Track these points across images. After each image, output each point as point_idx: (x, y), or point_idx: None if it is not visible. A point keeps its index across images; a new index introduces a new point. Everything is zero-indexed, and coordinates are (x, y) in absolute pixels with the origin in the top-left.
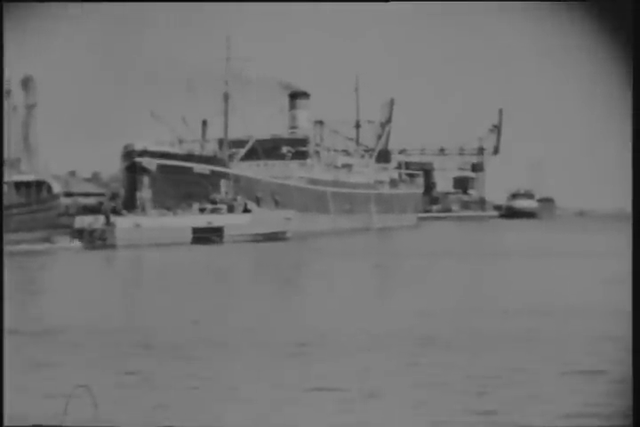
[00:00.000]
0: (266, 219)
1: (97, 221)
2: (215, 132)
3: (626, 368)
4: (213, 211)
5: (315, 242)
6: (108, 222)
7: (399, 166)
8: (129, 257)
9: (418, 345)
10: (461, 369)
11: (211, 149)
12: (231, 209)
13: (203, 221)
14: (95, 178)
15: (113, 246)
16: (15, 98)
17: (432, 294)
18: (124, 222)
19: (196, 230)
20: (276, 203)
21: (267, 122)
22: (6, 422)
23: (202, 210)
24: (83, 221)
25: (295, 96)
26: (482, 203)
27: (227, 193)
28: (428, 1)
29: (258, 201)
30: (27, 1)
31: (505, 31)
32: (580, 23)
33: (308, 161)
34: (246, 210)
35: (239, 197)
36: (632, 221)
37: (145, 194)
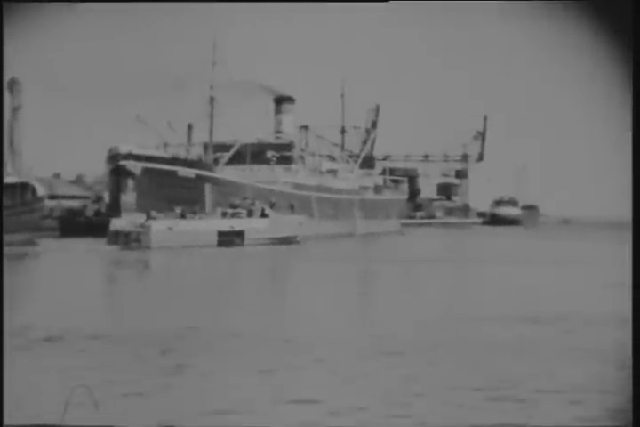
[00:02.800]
0: (282, 223)
1: (131, 224)
2: (200, 135)
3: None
4: (234, 215)
5: (320, 247)
6: (146, 222)
7: (384, 172)
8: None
9: (399, 351)
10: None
11: (196, 152)
12: (250, 214)
13: (226, 225)
14: (79, 181)
15: (148, 248)
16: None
17: (425, 301)
18: (158, 225)
19: (220, 234)
20: (292, 208)
21: (252, 126)
22: (6, 421)
23: (223, 214)
24: (117, 224)
25: (280, 101)
26: (465, 210)
27: (245, 198)
28: (427, 0)
29: (272, 206)
30: (27, 1)
31: (499, 34)
32: (578, 23)
33: (293, 166)
34: (263, 215)
35: (257, 202)
36: (632, 228)
37: (129, 197)
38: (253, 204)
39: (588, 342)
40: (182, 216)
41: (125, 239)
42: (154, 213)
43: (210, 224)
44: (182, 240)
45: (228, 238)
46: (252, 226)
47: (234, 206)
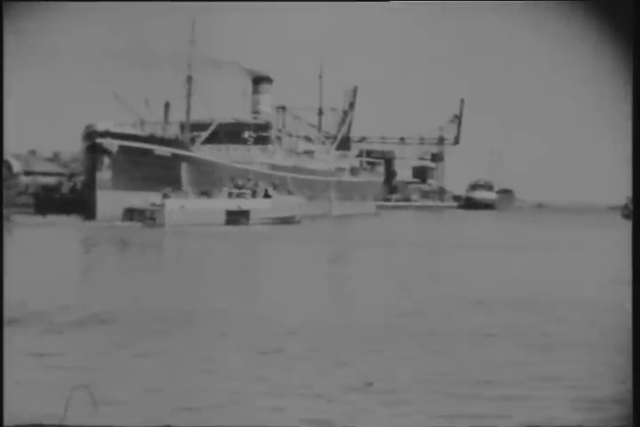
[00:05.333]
0: (283, 204)
1: (146, 202)
2: (178, 114)
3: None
4: (239, 195)
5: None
6: (161, 201)
7: (360, 154)
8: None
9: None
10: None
11: (173, 131)
12: (254, 194)
13: (234, 204)
14: (56, 158)
15: (162, 225)
16: None
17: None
18: (171, 204)
19: (228, 213)
20: (289, 191)
21: (229, 106)
22: (7, 421)
23: (229, 194)
24: (131, 201)
25: (258, 81)
26: (441, 193)
27: (249, 179)
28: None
29: (274, 187)
30: (27, 0)
31: (486, 22)
32: (579, 22)
33: (270, 146)
34: (266, 195)
35: (260, 183)
36: (632, 219)
37: (105, 175)
38: (257, 185)
39: (568, 327)
40: (205, 194)
41: (140, 216)
42: (168, 192)
43: (218, 204)
44: (193, 219)
45: (235, 217)
46: (257, 206)
47: (238, 187)
